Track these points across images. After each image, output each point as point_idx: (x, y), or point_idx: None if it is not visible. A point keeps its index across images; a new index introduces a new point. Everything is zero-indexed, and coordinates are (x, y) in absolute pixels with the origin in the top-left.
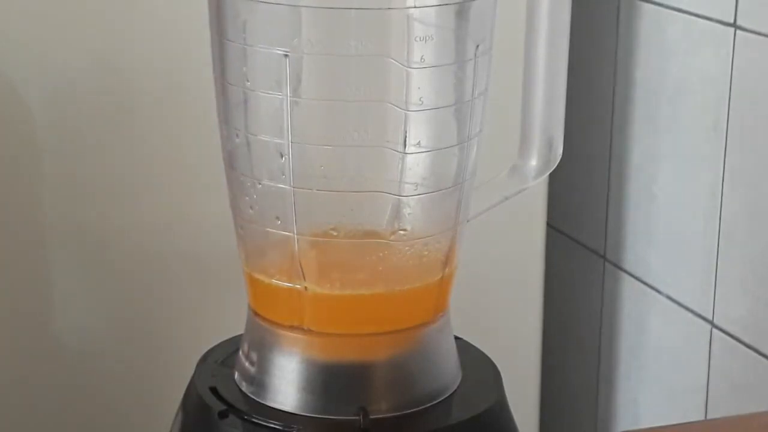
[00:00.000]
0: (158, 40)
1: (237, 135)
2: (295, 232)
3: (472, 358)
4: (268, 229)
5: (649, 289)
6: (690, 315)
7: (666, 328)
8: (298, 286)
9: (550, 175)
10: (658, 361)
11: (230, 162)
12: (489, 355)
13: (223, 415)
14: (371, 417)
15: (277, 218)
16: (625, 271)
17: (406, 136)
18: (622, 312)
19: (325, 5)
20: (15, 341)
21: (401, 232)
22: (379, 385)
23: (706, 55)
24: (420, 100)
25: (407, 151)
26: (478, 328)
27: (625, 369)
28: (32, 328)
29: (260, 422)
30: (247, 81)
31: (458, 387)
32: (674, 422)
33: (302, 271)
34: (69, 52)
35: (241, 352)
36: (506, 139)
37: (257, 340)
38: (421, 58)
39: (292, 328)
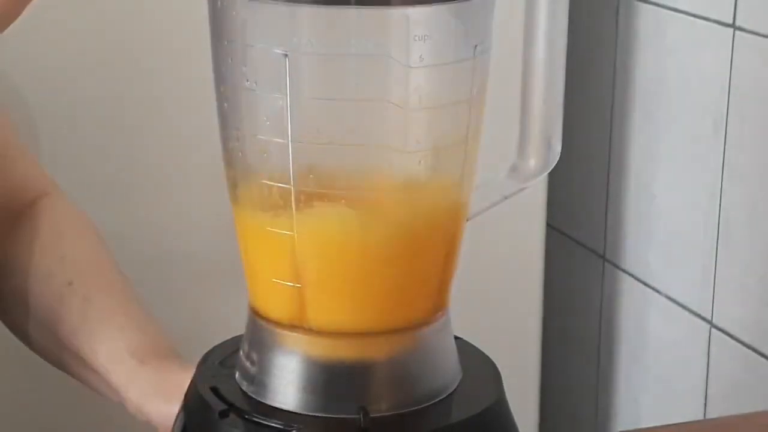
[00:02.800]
0: (158, 40)
1: (237, 135)
2: (296, 231)
3: (472, 357)
4: (269, 229)
5: (648, 289)
6: (689, 315)
7: (665, 327)
8: (298, 286)
9: (550, 175)
10: (658, 360)
11: (230, 162)
12: (489, 355)
13: (224, 414)
14: (371, 416)
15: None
16: (625, 271)
17: (405, 136)
18: (622, 312)
19: (325, 4)
20: (14, 340)
21: None
22: (379, 384)
23: (706, 55)
24: (419, 99)
25: (407, 149)
26: (478, 328)
27: (625, 369)
28: None
29: (261, 421)
30: (247, 81)
31: (458, 386)
32: (674, 422)
33: (302, 271)
34: (69, 52)
35: (241, 352)
36: (506, 139)
37: (257, 340)
38: (420, 58)
39: (292, 327)
